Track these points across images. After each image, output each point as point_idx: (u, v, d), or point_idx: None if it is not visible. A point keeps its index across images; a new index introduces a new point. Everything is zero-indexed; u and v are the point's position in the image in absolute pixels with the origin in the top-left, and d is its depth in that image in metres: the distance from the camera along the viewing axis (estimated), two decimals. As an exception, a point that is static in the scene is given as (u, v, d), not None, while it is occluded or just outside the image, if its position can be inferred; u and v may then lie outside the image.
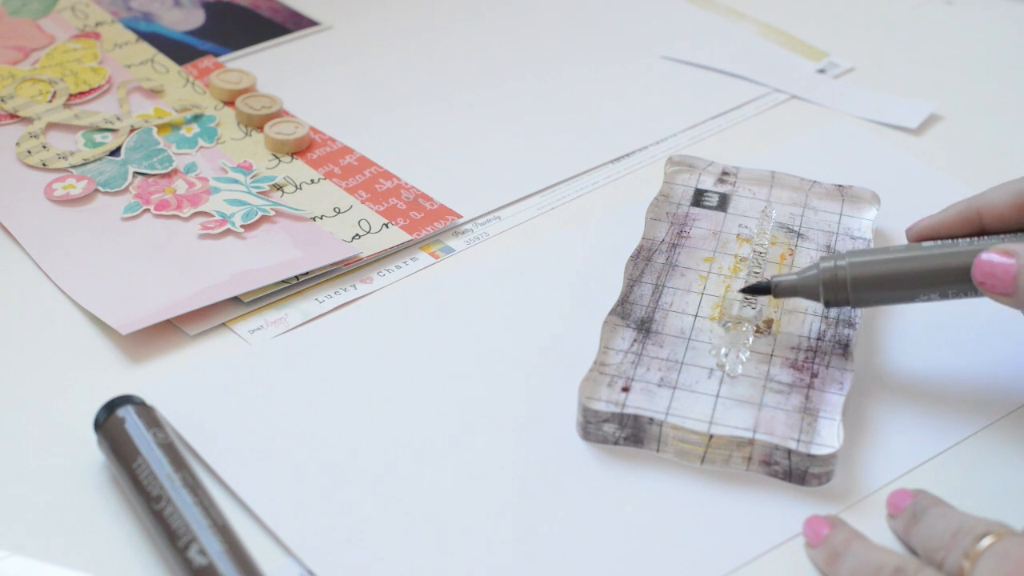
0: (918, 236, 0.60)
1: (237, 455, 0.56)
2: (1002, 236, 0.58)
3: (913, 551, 0.53)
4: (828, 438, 0.55)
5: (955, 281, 0.57)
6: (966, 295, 0.57)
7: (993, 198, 0.59)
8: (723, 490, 0.55)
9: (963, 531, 0.51)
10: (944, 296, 0.58)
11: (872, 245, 0.65)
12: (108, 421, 0.55)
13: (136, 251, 0.66)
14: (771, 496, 0.55)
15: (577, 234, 0.68)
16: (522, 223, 0.70)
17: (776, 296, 0.60)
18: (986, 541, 0.50)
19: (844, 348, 0.59)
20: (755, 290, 0.60)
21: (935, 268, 0.57)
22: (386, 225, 0.68)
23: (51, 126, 0.74)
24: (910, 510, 0.53)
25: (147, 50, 0.81)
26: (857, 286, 0.58)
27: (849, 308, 0.61)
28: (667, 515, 0.54)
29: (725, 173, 0.69)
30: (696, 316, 0.61)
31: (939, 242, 0.58)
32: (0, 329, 0.62)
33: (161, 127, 0.74)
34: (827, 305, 0.59)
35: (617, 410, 0.56)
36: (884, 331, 0.63)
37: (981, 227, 0.59)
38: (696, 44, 0.84)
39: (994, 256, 0.56)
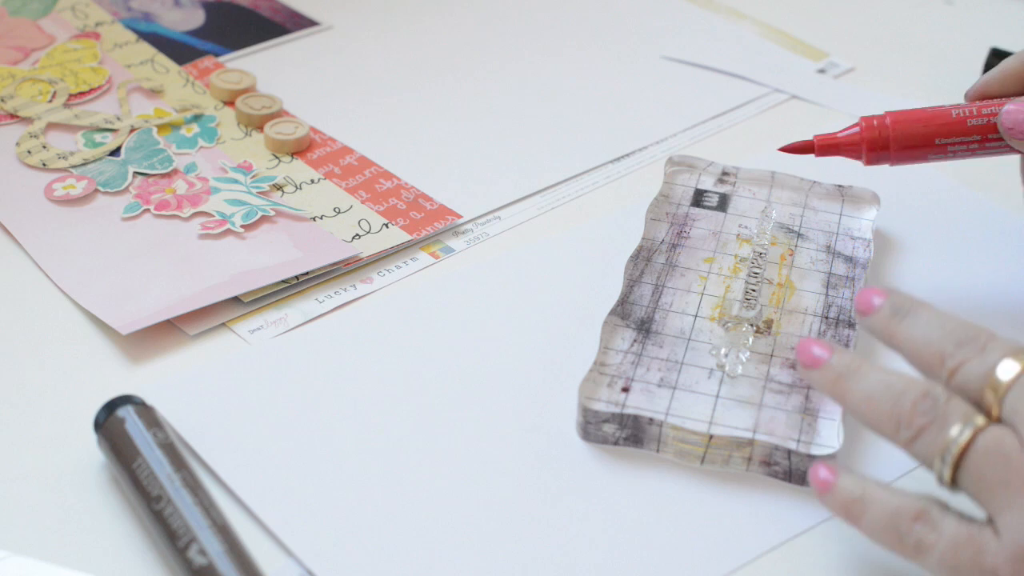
0: (974, 97, 0.62)
1: (237, 455, 0.56)
2: None
3: (898, 352, 0.52)
4: (828, 438, 0.55)
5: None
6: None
7: None
8: (723, 490, 0.55)
9: (967, 341, 0.49)
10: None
11: (872, 246, 0.65)
12: (108, 421, 0.55)
13: (136, 251, 0.66)
14: (771, 496, 0.55)
15: (577, 234, 0.68)
16: (522, 223, 0.70)
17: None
18: (1009, 366, 0.48)
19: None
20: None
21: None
22: (386, 225, 0.68)
23: (51, 126, 0.74)
24: (888, 307, 0.52)
25: (147, 50, 0.81)
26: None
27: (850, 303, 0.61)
28: (667, 515, 0.54)
29: (725, 173, 0.69)
30: (696, 316, 0.61)
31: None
32: (0, 329, 0.62)
33: (161, 127, 0.74)
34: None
35: (617, 410, 0.56)
36: (884, 331, 0.63)
37: None
38: (696, 44, 0.84)
39: (1021, 106, 0.59)
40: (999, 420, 0.48)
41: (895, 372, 0.50)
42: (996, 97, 0.62)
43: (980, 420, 0.48)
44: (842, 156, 0.63)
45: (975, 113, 0.61)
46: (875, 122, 0.62)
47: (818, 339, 0.53)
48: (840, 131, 0.63)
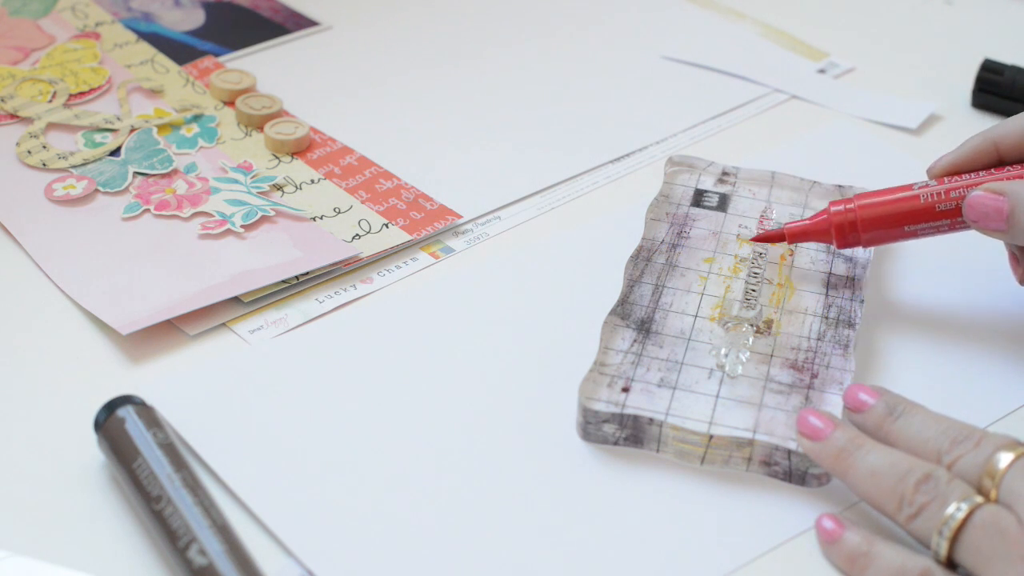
0: (939, 174, 0.62)
1: (237, 455, 0.56)
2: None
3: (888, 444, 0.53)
4: (828, 438, 0.55)
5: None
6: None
7: (1009, 129, 0.60)
8: (723, 490, 0.55)
9: (962, 439, 0.51)
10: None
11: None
12: (108, 421, 0.55)
13: (136, 251, 0.66)
14: (771, 496, 0.55)
15: (577, 234, 0.68)
16: (522, 223, 0.70)
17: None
18: (1004, 456, 0.50)
19: (844, 348, 0.59)
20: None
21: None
22: (386, 225, 0.68)
23: (51, 126, 0.74)
24: (882, 406, 0.54)
25: (147, 50, 0.81)
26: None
27: (850, 305, 0.61)
28: (667, 515, 0.54)
29: (725, 173, 0.69)
30: (696, 316, 0.61)
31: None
32: (0, 329, 0.62)
33: (161, 127, 0.74)
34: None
35: (617, 410, 0.56)
36: (884, 332, 0.63)
37: (998, 158, 0.60)
38: (696, 44, 0.84)
39: (984, 195, 0.58)
40: (996, 503, 0.50)
41: (898, 452, 0.52)
42: (964, 172, 0.61)
43: (979, 499, 0.50)
44: (813, 241, 0.63)
45: (943, 197, 0.60)
46: (843, 207, 0.61)
47: (815, 410, 0.54)
48: (809, 218, 0.63)
